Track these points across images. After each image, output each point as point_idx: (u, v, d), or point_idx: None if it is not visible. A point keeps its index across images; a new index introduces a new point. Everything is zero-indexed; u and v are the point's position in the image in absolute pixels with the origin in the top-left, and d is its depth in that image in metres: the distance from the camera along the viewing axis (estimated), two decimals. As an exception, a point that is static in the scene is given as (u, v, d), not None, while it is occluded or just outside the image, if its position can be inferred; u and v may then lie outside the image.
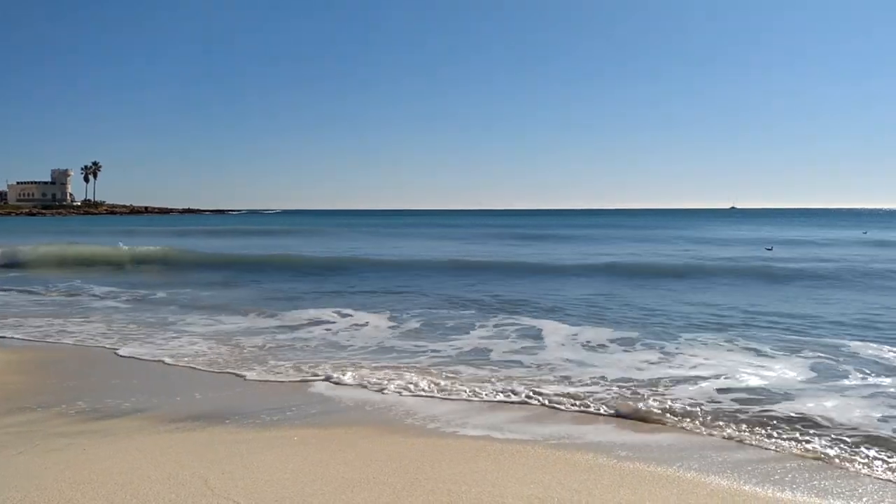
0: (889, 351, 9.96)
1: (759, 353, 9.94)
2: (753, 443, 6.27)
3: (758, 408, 7.28)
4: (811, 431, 6.50)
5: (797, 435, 6.42)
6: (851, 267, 22.92)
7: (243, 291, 18.27)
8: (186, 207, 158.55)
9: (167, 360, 9.78)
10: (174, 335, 11.70)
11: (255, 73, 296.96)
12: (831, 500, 4.96)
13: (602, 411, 7.25)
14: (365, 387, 8.26)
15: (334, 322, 12.92)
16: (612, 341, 10.90)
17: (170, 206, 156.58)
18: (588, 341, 10.90)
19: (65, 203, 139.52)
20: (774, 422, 6.80)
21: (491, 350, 10.35)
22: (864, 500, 5.01)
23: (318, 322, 12.89)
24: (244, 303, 15.65)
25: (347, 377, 8.67)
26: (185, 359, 9.82)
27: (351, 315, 13.57)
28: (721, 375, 8.63)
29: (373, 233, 57.52)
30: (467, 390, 8.06)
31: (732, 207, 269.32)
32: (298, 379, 8.70)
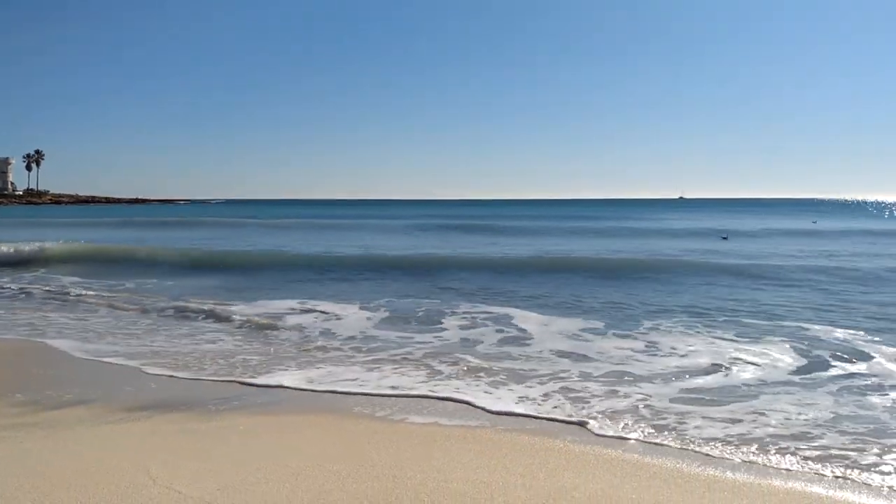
0: (831, 336, 10.28)
1: (715, 344, 10.08)
2: (694, 428, 6.40)
3: (704, 397, 7.49)
4: (752, 419, 6.70)
5: (738, 421, 6.60)
6: (805, 263, 22.99)
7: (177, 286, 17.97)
8: (135, 197, 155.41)
9: (110, 355, 9.57)
10: (113, 328, 11.47)
11: (201, 61, 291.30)
12: (770, 480, 5.10)
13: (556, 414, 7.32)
14: (311, 379, 8.22)
15: (286, 317, 12.82)
16: (584, 330, 11.08)
17: (117, 196, 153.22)
18: (557, 332, 11.03)
19: (6, 192, 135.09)
20: (717, 410, 6.97)
21: (452, 342, 10.41)
22: (798, 480, 5.16)
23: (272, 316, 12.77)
24: (190, 296, 15.41)
25: (294, 368, 8.62)
26: (130, 353, 9.63)
27: (291, 313, 13.48)
28: (674, 365, 8.86)
29: (299, 226, 49.99)
30: (420, 379, 8.09)
31: (681, 197, 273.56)
32: (235, 378, 8.59)
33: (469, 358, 9.06)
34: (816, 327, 10.96)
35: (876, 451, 5.68)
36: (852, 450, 5.72)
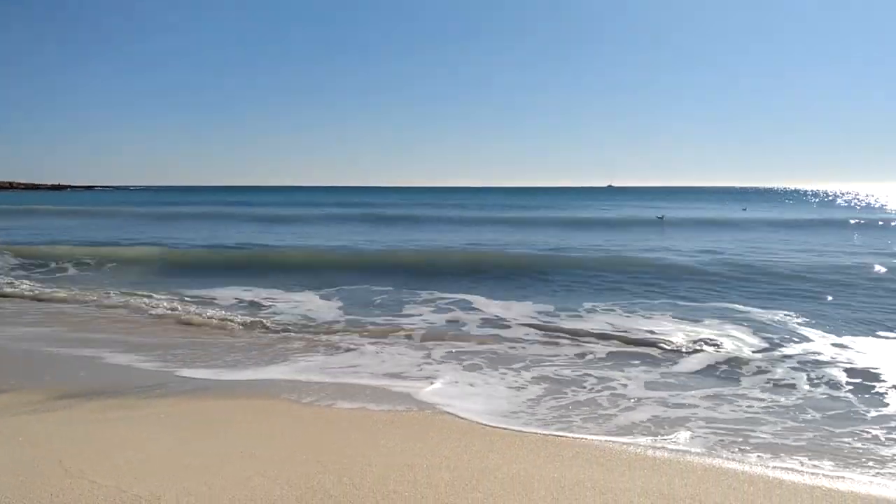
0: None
1: (650, 330, 10.36)
2: (617, 410, 6.58)
3: (634, 382, 7.68)
4: (677, 402, 6.93)
5: (664, 403, 6.79)
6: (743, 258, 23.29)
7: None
8: (56, 183, 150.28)
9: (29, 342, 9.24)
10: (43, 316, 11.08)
11: (127, 42, 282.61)
12: (690, 458, 5.27)
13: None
14: (246, 365, 8.11)
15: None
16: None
17: (37, 182, 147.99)
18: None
19: None
20: (643, 392, 7.16)
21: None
22: (717, 457, 5.33)
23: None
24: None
25: (225, 356, 8.48)
26: (61, 341, 9.32)
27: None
28: (610, 351, 9.11)
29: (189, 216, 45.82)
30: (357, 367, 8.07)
31: (610, 185, 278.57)
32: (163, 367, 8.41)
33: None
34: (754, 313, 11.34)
35: (799, 434, 5.93)
36: (775, 432, 5.98)
